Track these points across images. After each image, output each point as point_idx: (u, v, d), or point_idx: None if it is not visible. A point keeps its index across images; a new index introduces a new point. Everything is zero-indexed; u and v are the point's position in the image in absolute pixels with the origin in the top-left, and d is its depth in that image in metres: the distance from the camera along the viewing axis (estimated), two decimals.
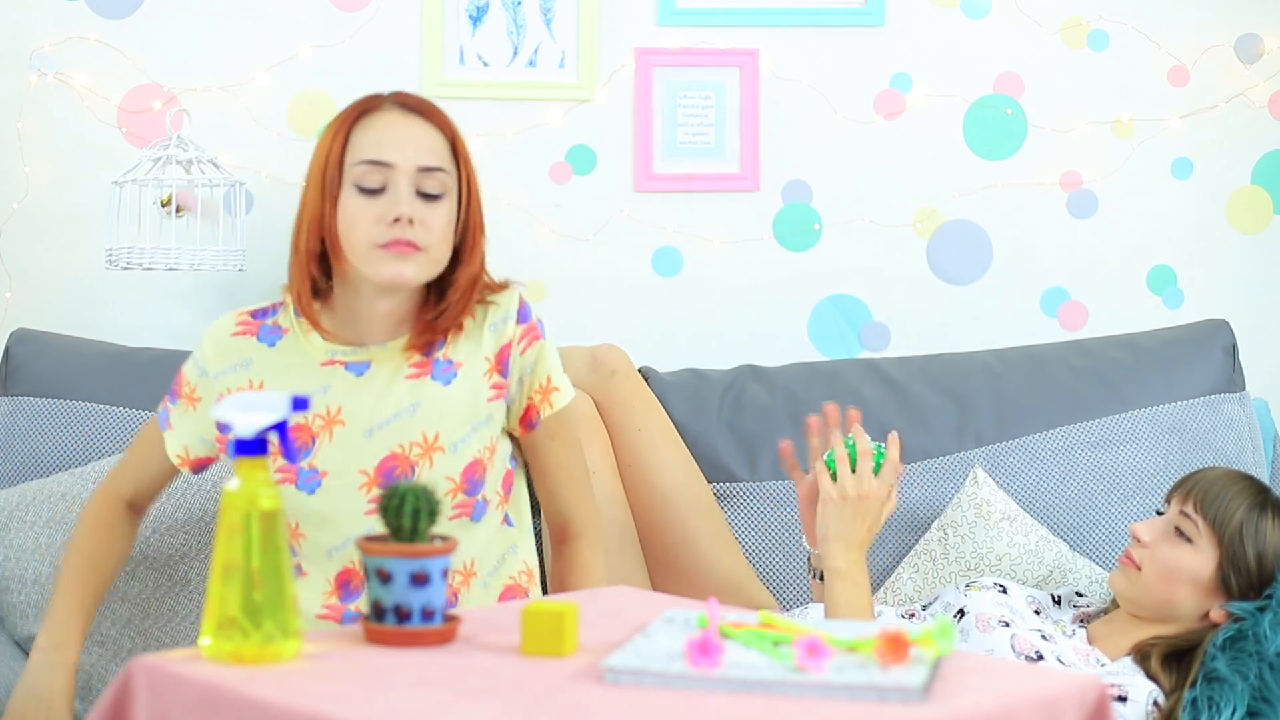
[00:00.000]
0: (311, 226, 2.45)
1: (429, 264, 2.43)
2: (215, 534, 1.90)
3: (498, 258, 3.32)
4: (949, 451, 3.04)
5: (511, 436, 2.57)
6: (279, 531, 1.89)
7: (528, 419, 2.54)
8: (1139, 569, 2.64)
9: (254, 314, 2.56)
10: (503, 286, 2.55)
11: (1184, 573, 2.60)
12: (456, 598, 2.51)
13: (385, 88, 3.27)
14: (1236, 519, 2.59)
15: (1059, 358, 3.19)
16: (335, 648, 1.94)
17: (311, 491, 2.45)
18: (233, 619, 1.86)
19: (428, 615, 1.95)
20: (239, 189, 3.05)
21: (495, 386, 2.51)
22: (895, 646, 1.83)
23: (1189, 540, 2.61)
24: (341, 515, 2.45)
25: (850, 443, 2.57)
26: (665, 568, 2.95)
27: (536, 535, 2.96)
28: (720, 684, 1.79)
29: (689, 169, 3.36)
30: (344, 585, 2.49)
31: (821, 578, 2.64)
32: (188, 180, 3.01)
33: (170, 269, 3.00)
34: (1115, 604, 2.74)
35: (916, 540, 2.99)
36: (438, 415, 2.47)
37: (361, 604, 2.45)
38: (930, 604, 2.78)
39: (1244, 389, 3.16)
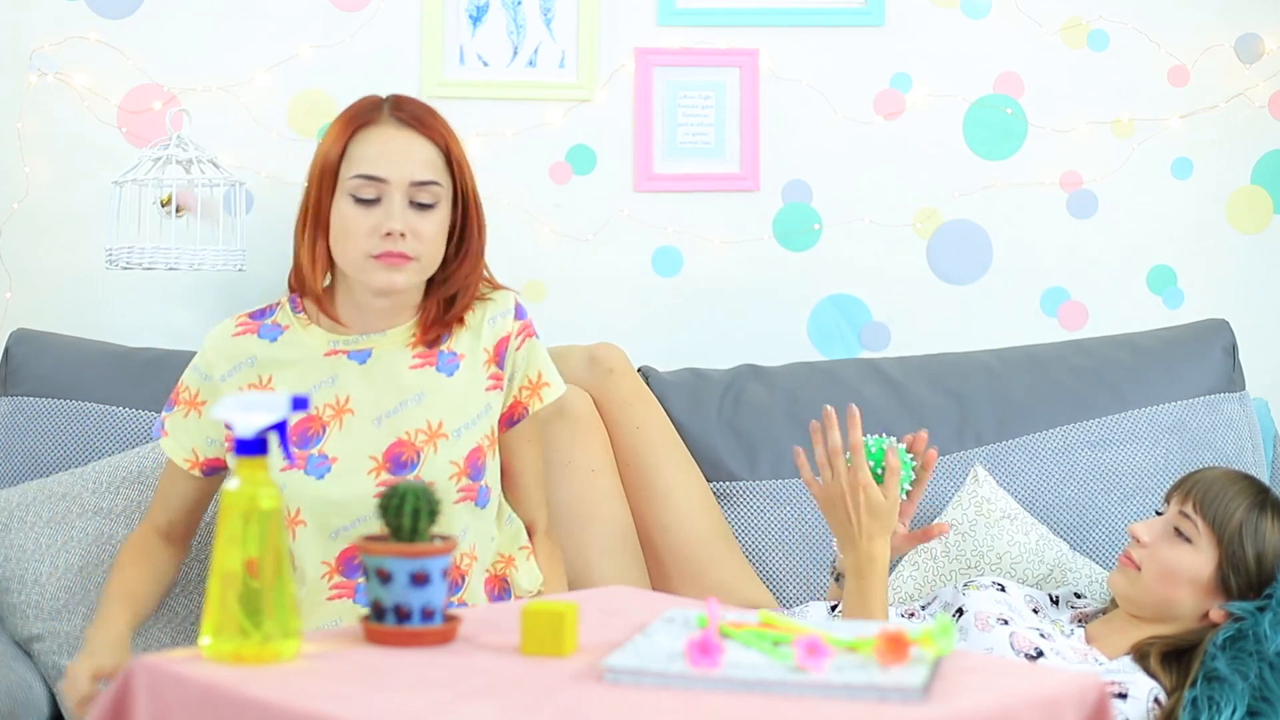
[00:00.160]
0: (313, 234, 2.57)
1: (419, 271, 2.56)
2: (215, 534, 1.90)
3: (498, 258, 3.32)
4: (949, 451, 3.04)
5: None
6: (279, 531, 1.89)
7: (509, 416, 2.66)
8: (1138, 569, 2.64)
9: (251, 315, 2.66)
10: (499, 287, 2.69)
11: (1183, 573, 2.60)
12: (464, 580, 2.55)
13: (385, 88, 3.28)
14: (1236, 519, 2.59)
15: (1059, 358, 3.19)
16: (335, 648, 1.94)
17: (320, 476, 2.55)
18: (233, 619, 1.86)
19: (428, 615, 1.95)
20: (239, 189, 3.05)
21: (493, 377, 2.63)
22: (895, 646, 1.83)
23: (1188, 540, 2.61)
24: (351, 499, 2.54)
25: (878, 447, 2.54)
26: (665, 567, 2.95)
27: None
28: (720, 684, 1.79)
29: (689, 169, 3.36)
30: (347, 561, 2.57)
31: (839, 579, 2.65)
32: (188, 180, 3.01)
33: (170, 269, 3.00)
34: (1114, 604, 2.74)
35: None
36: (442, 404, 2.58)
37: None
38: (929, 604, 2.78)
39: (1244, 389, 3.16)
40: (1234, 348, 3.18)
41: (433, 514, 1.97)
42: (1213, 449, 3.07)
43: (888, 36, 3.38)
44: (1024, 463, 3.06)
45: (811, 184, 3.39)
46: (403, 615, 1.94)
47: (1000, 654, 2.53)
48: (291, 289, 2.66)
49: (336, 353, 2.61)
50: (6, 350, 3.09)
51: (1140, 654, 2.58)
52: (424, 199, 2.54)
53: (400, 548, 1.94)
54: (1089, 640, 2.67)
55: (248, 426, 1.91)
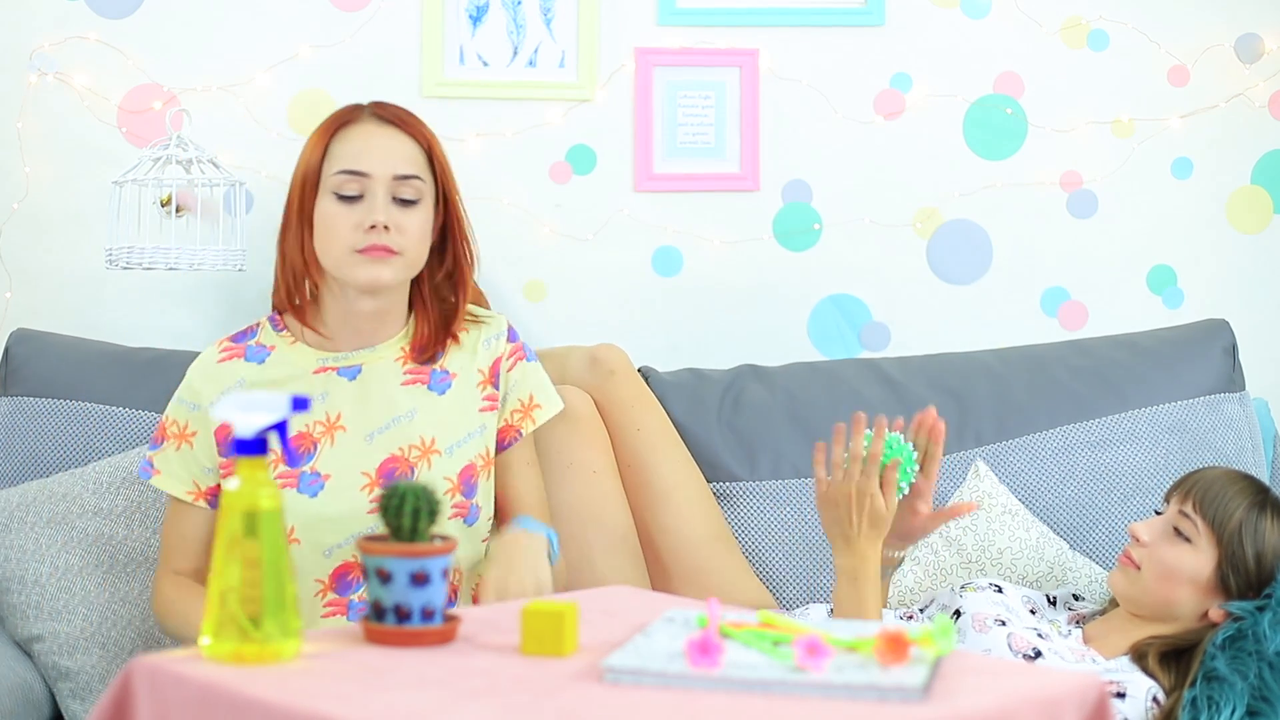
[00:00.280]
0: (295, 241, 2.57)
1: (405, 266, 2.56)
2: (215, 534, 1.90)
3: (498, 258, 3.34)
4: (949, 451, 3.04)
5: None
6: (279, 531, 1.89)
7: (501, 439, 2.67)
8: (1138, 568, 2.64)
9: (233, 339, 2.66)
10: (488, 308, 2.73)
11: (1183, 572, 2.60)
12: (455, 596, 2.54)
13: (385, 88, 3.28)
14: (1236, 519, 2.59)
15: (1059, 358, 3.19)
16: (335, 648, 1.94)
17: (314, 494, 2.53)
18: (233, 619, 1.86)
19: (428, 615, 1.95)
20: (239, 189, 3.05)
21: (489, 398, 2.65)
22: (895, 646, 1.83)
23: (1188, 540, 2.61)
24: (344, 515, 2.53)
25: (896, 445, 2.55)
26: (665, 567, 2.95)
27: None
28: (720, 684, 1.79)
29: (689, 169, 3.36)
30: (340, 578, 2.55)
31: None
32: (188, 180, 3.01)
33: (170, 269, 3.00)
34: (1113, 604, 2.74)
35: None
36: (435, 421, 2.58)
37: (365, 592, 2.46)
38: (926, 606, 2.78)
39: (1244, 389, 3.16)
40: (1234, 348, 3.18)
41: (433, 514, 1.97)
42: (1213, 449, 3.07)
43: (888, 36, 3.38)
44: (1024, 463, 3.06)
45: (811, 184, 3.38)
46: (403, 615, 1.94)
47: (998, 655, 2.53)
48: (276, 308, 2.66)
49: (326, 369, 2.60)
50: (6, 350, 3.09)
51: (1139, 654, 2.58)
52: (407, 194, 2.55)
53: (400, 548, 1.94)
54: (1087, 640, 2.67)
55: (248, 426, 1.91)
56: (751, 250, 3.38)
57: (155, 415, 2.89)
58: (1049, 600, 2.82)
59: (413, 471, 2.56)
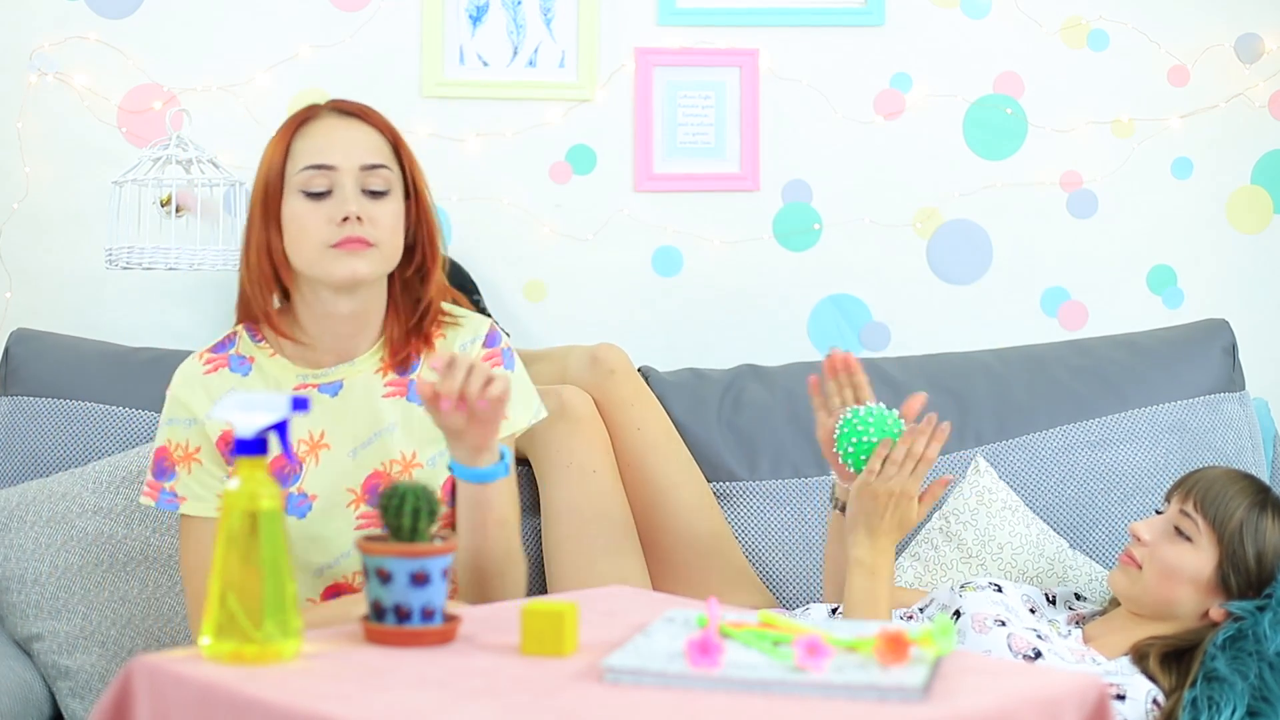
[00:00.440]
0: (260, 248, 2.47)
1: (381, 259, 2.45)
2: (216, 534, 1.90)
3: (498, 258, 3.34)
4: (949, 450, 3.04)
5: None
6: (279, 531, 1.89)
7: None
8: (1139, 567, 2.64)
9: (213, 350, 2.55)
10: (472, 307, 2.60)
11: (1184, 572, 2.60)
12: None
13: (385, 88, 3.28)
14: (1236, 518, 2.59)
15: (1059, 357, 3.18)
16: (335, 648, 1.94)
17: (303, 515, 2.48)
18: (233, 619, 1.86)
19: (428, 615, 1.95)
20: (239, 189, 3.05)
21: None
22: (895, 646, 1.83)
23: (1189, 539, 2.61)
24: (332, 534, 2.48)
25: (873, 415, 2.56)
26: (665, 566, 2.95)
27: (536, 536, 2.96)
28: (720, 684, 1.79)
29: (689, 169, 3.36)
30: (332, 597, 2.50)
31: (843, 509, 2.65)
32: (187, 180, 3.01)
33: (170, 269, 3.00)
34: (1113, 604, 2.74)
35: (918, 532, 2.99)
36: (415, 434, 2.51)
37: None
38: (926, 606, 2.78)
39: (1244, 388, 3.16)
40: (1234, 348, 3.18)
41: (432, 514, 1.97)
42: (1213, 449, 3.07)
43: (888, 36, 3.38)
44: (1024, 462, 3.06)
45: (811, 184, 3.39)
46: (403, 615, 1.94)
47: (998, 655, 2.53)
48: (241, 320, 2.54)
49: (306, 386, 2.50)
50: (6, 350, 3.09)
51: (1139, 655, 2.58)
52: (376, 185, 2.44)
53: (400, 548, 1.94)
54: (1086, 641, 2.67)
55: (248, 426, 1.91)
56: (751, 250, 3.38)
57: (155, 415, 2.87)
58: (1049, 599, 2.82)
59: None
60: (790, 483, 3.04)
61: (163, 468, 2.50)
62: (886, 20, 3.37)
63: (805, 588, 2.99)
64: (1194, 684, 2.52)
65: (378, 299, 2.51)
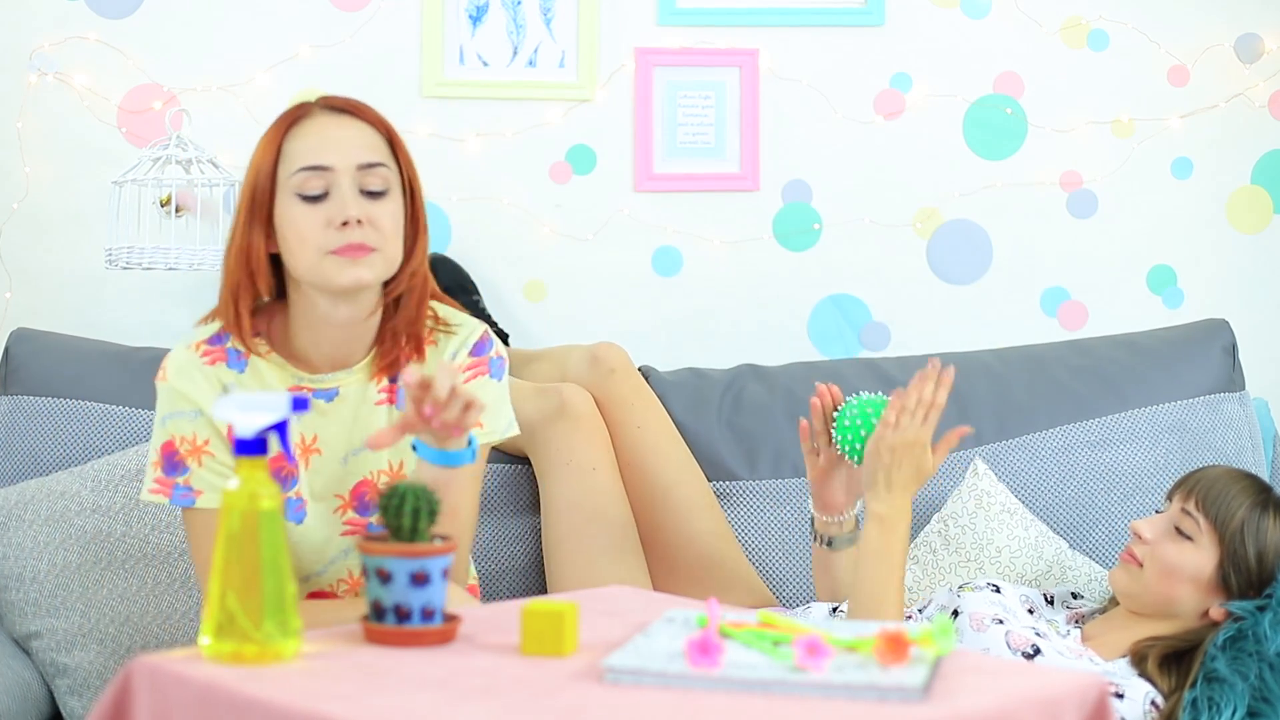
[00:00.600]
0: (239, 252, 2.36)
1: (384, 263, 2.34)
2: (216, 534, 1.90)
3: (498, 258, 3.34)
4: (950, 451, 3.04)
5: None
6: (279, 531, 1.89)
7: None
8: (1140, 565, 2.64)
9: (210, 342, 2.42)
10: (461, 309, 2.49)
11: (1185, 570, 2.60)
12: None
13: (385, 88, 3.27)
14: (1238, 517, 2.59)
15: (1059, 357, 3.19)
16: (335, 648, 1.94)
17: (299, 521, 2.42)
18: (233, 619, 1.86)
19: (428, 615, 1.95)
20: (238, 189, 3.05)
21: None
22: (895, 646, 1.83)
23: (1189, 538, 2.61)
24: (320, 539, 2.44)
25: (871, 406, 2.60)
26: (665, 565, 2.95)
27: (536, 535, 2.96)
28: (720, 684, 1.79)
29: (689, 169, 3.36)
30: None
31: (828, 544, 2.67)
32: (187, 180, 3.01)
33: (170, 269, 3.00)
34: (1112, 603, 2.74)
35: (916, 534, 2.99)
36: (402, 444, 2.42)
37: None
38: (925, 607, 2.78)
39: (1244, 388, 3.16)
40: (1234, 348, 3.18)
41: (432, 514, 1.97)
42: (1213, 449, 3.07)
43: (888, 36, 3.38)
44: (1024, 462, 3.06)
45: (811, 184, 3.39)
46: (403, 615, 1.94)
47: (996, 654, 2.53)
48: (226, 330, 2.40)
49: (301, 389, 2.40)
50: (6, 350, 3.09)
51: (1138, 657, 2.58)
52: (374, 185, 2.33)
53: (400, 548, 1.94)
54: (1085, 640, 2.67)
55: (248, 426, 1.91)
56: (751, 250, 3.38)
57: (154, 414, 2.87)
58: (1047, 599, 2.82)
59: None
60: (790, 482, 3.04)
61: (173, 463, 2.39)
62: (886, 20, 3.37)
63: (805, 587, 2.99)
64: (1194, 684, 2.52)
65: (374, 304, 2.40)
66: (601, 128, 3.34)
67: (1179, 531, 2.62)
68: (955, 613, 2.65)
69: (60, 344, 3.10)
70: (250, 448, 1.91)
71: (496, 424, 2.46)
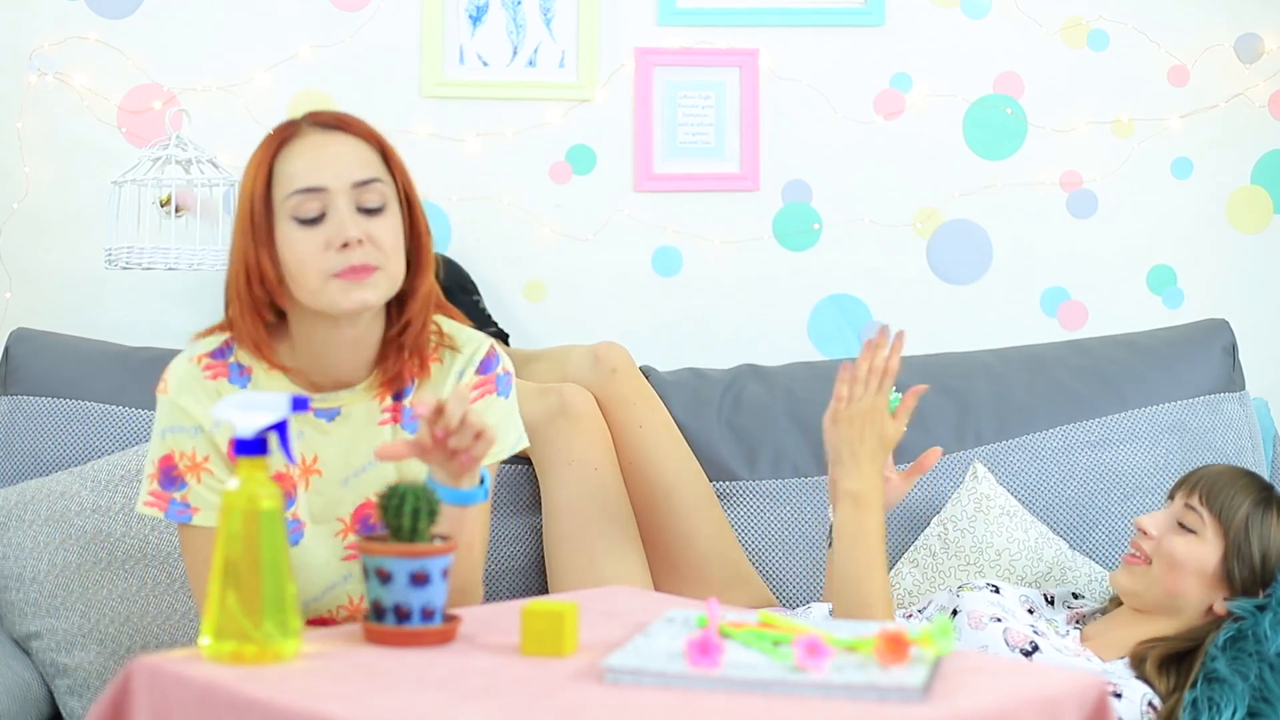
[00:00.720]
0: (251, 271, 2.32)
1: (388, 282, 2.30)
2: (216, 534, 1.90)
3: (498, 258, 3.34)
4: (949, 450, 3.04)
5: None
6: (279, 531, 1.89)
7: None
8: (1147, 563, 2.64)
9: (212, 355, 2.38)
10: (467, 322, 2.46)
11: (1190, 563, 2.60)
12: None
13: (385, 88, 3.27)
14: (1242, 513, 2.60)
15: (1059, 357, 3.18)
16: (335, 648, 1.94)
17: (295, 543, 2.37)
18: (233, 619, 1.86)
19: (428, 615, 1.95)
20: (238, 189, 3.05)
21: None
22: (895, 646, 1.83)
23: (1193, 532, 2.61)
24: (320, 563, 2.39)
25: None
26: (666, 564, 2.95)
27: (536, 534, 2.96)
28: (720, 684, 1.79)
29: (689, 169, 3.36)
30: None
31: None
32: (187, 180, 3.01)
33: (170, 269, 3.00)
34: (1113, 604, 2.74)
35: (916, 537, 2.99)
36: (407, 464, 2.37)
37: None
38: (925, 608, 2.78)
39: (1244, 388, 3.16)
40: (1234, 348, 3.18)
41: (432, 514, 1.97)
42: (1213, 449, 3.07)
43: (888, 36, 3.38)
44: (1024, 462, 3.06)
45: (811, 184, 3.39)
46: (403, 615, 1.94)
47: (995, 651, 2.53)
48: (237, 340, 2.37)
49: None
50: (6, 350, 3.09)
51: (1137, 660, 2.58)
52: (371, 201, 2.28)
53: (400, 548, 1.94)
54: (1085, 640, 2.67)
55: (248, 426, 1.91)
56: (751, 250, 3.38)
57: (154, 414, 2.87)
58: (1047, 600, 2.82)
59: None
60: (790, 482, 3.04)
61: (171, 477, 2.35)
62: (886, 20, 3.37)
63: (805, 587, 2.99)
64: (1194, 685, 2.53)
65: (377, 322, 2.35)
66: (601, 128, 3.34)
67: (1183, 526, 2.63)
68: (954, 612, 2.65)
69: (60, 344, 3.10)
70: (250, 448, 1.91)
71: (505, 441, 2.43)
